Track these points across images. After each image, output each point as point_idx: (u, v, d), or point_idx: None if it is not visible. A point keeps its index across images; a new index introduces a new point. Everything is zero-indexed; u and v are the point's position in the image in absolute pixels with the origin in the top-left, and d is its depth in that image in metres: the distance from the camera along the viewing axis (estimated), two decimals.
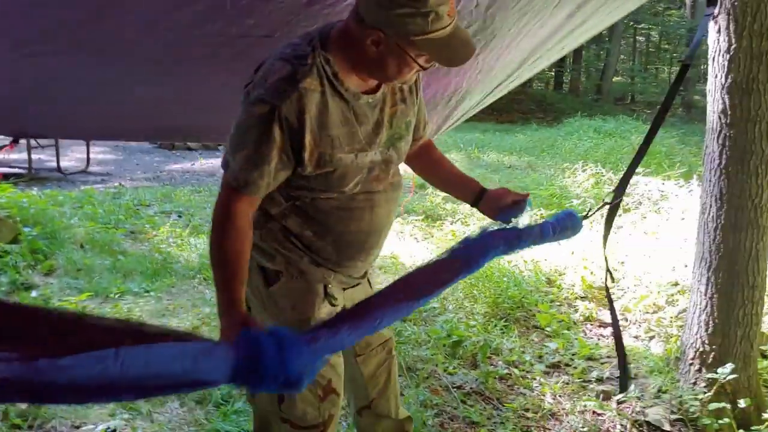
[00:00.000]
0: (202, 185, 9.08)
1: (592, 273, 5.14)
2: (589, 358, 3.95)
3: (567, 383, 3.63)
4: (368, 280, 2.21)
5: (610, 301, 2.92)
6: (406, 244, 6.08)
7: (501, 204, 2.10)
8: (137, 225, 6.51)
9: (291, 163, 1.73)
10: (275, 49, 1.73)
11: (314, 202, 1.86)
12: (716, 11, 3.21)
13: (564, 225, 2.25)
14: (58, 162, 9.32)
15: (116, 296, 4.66)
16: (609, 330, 4.37)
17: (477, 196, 2.14)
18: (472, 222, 6.72)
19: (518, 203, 2.10)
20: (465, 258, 1.86)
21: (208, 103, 2.59)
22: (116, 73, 2.20)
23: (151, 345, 1.06)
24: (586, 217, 2.40)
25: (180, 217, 6.98)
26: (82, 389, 0.99)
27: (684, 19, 22.91)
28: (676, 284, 4.74)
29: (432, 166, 2.24)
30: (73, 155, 10.42)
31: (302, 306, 1.95)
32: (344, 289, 2.07)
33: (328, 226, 1.89)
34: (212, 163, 10.96)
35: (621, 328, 4.36)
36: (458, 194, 2.26)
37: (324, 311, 1.97)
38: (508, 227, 2.09)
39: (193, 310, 4.52)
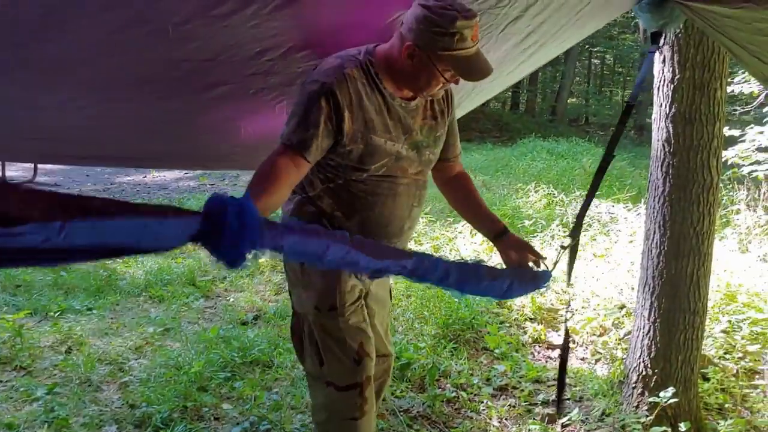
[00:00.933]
0: (153, 198, 8.93)
1: (541, 294, 5.17)
2: (536, 381, 3.97)
3: (513, 406, 3.64)
4: None
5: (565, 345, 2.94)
6: None
7: (516, 255, 2.36)
8: None
9: (334, 131, 2.02)
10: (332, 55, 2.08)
11: (346, 184, 2.16)
12: (661, 43, 3.29)
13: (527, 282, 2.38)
14: (3, 171, 9.05)
15: (56, 314, 4.52)
16: (557, 352, 4.40)
17: (498, 234, 2.40)
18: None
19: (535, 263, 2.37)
20: (418, 262, 1.91)
21: (152, 129, 2.53)
22: (58, 96, 2.14)
23: (102, 219, 1.17)
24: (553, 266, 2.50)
25: None
26: (33, 253, 1.12)
27: (638, 43, 23.49)
28: (623, 307, 4.81)
29: (464, 198, 2.52)
30: (19, 164, 10.14)
31: (330, 277, 2.20)
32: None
33: (355, 208, 2.19)
34: (165, 176, 10.79)
35: (569, 351, 4.42)
36: (482, 228, 2.56)
37: (350, 283, 2.24)
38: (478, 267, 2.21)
39: (137, 329, 4.42)
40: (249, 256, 1.40)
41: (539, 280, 2.40)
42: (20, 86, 1.99)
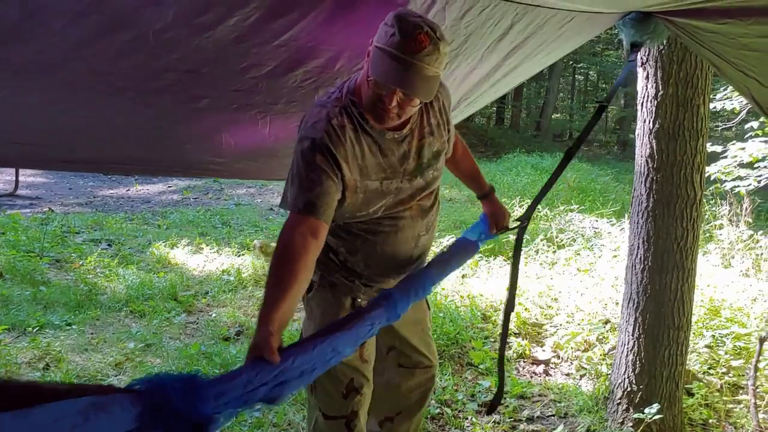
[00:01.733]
0: (135, 212, 8.84)
1: (527, 309, 5.16)
2: (521, 397, 3.94)
3: (498, 422, 3.61)
4: None
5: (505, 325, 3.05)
6: None
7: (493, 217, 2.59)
8: (63, 254, 6.26)
9: (339, 185, 1.93)
10: (315, 100, 2.07)
11: (346, 226, 2.13)
12: (644, 58, 3.31)
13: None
14: None
15: (35, 330, 4.44)
16: (541, 367, 4.39)
17: (482, 196, 2.63)
18: None
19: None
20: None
21: (134, 135, 2.50)
22: (38, 97, 2.10)
23: (32, 408, 0.98)
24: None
25: (110, 245, 6.75)
26: None
27: (621, 59, 23.73)
28: (607, 322, 4.81)
29: (456, 167, 2.62)
30: (1, 177, 10.03)
31: (329, 315, 2.21)
32: None
33: (356, 246, 2.16)
34: (148, 189, 10.71)
35: (553, 366, 4.40)
36: (471, 187, 2.70)
37: None
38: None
39: (117, 345, 4.34)
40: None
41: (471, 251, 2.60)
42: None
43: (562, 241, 7.00)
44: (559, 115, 27.89)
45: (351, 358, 2.19)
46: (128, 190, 10.77)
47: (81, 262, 6.00)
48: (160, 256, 6.40)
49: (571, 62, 25.26)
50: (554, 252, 6.59)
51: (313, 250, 1.85)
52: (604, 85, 28.75)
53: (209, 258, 6.43)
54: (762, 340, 3.60)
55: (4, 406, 0.95)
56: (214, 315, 5.05)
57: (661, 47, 3.19)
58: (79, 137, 2.55)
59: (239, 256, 6.55)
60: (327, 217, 1.90)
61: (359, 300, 2.25)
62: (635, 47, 2.69)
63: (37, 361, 4.04)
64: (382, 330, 1.99)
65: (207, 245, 6.78)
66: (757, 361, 3.64)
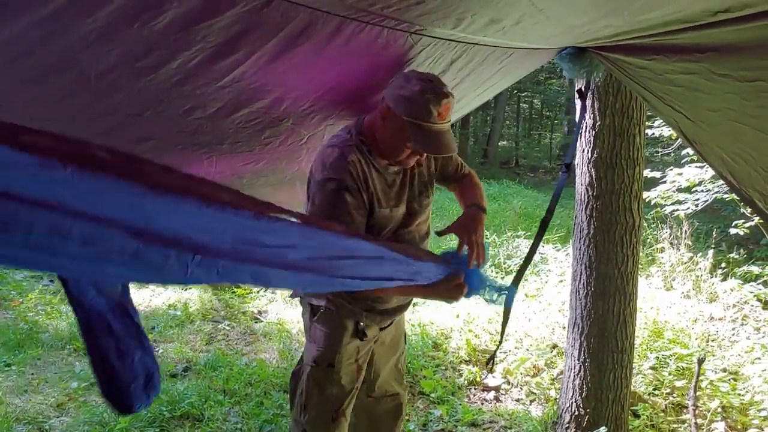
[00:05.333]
0: None
1: (477, 336, 5.21)
2: (473, 424, 3.97)
3: None
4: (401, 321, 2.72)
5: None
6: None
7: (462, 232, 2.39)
8: (2, 291, 6.05)
9: (366, 212, 2.20)
10: (323, 143, 2.28)
11: None
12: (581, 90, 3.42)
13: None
14: None
15: None
16: (492, 393, 4.42)
17: (468, 205, 2.54)
18: None
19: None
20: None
21: None
22: None
23: None
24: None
25: (52, 282, 6.55)
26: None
27: (563, 88, 24.36)
28: (555, 346, 4.89)
29: (457, 188, 2.68)
30: None
31: (333, 337, 2.40)
32: (381, 329, 2.52)
33: None
34: None
35: (504, 391, 4.44)
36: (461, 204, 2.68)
37: (351, 346, 2.42)
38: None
39: (59, 385, 4.21)
40: None
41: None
42: None
43: (510, 267, 7.10)
44: (505, 142, 28.37)
45: (349, 379, 2.45)
46: None
47: (21, 300, 5.80)
48: None
49: (515, 91, 25.82)
50: (503, 278, 6.68)
51: None
52: (548, 113, 29.44)
53: (155, 292, 6.30)
54: (700, 361, 3.72)
55: None
56: (161, 351, 4.95)
57: (598, 80, 3.30)
58: None
59: (186, 290, 6.44)
60: None
61: (362, 324, 2.42)
62: (582, 94, 2.81)
63: None
64: None
65: None
66: (697, 381, 3.75)
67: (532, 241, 2.70)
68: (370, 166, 2.21)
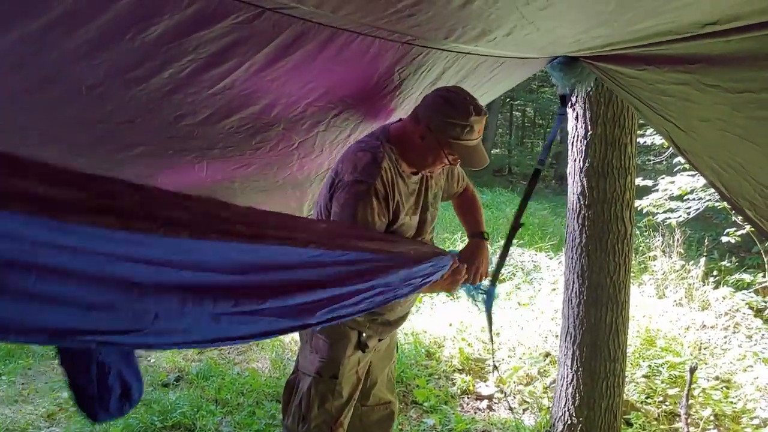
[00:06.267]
0: None
1: (470, 345, 5.20)
2: None
3: None
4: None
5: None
6: None
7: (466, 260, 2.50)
8: None
9: (387, 218, 2.24)
10: (350, 147, 2.34)
11: None
12: (573, 99, 3.44)
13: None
14: None
15: None
16: (485, 402, 4.41)
17: (471, 236, 2.69)
18: None
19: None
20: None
21: None
22: None
23: None
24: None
25: None
26: None
27: (556, 96, 24.49)
28: (548, 355, 4.89)
29: (459, 206, 2.82)
30: None
31: (336, 348, 2.43)
32: (380, 340, 2.55)
33: None
34: None
35: (496, 400, 4.44)
36: (465, 228, 2.80)
37: (354, 357, 2.46)
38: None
39: (50, 395, 4.19)
40: None
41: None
42: None
43: (502, 275, 7.10)
44: (498, 150, 28.45)
45: (350, 390, 2.49)
46: None
47: None
48: None
49: (508, 99, 25.89)
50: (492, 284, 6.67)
51: None
52: (540, 121, 29.54)
53: None
54: (692, 370, 3.72)
55: None
56: (153, 360, 4.92)
57: (589, 89, 3.32)
58: None
59: None
60: None
61: (364, 335, 2.45)
62: (564, 99, 2.82)
63: None
64: None
65: None
66: (689, 390, 3.75)
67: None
68: (396, 174, 2.28)
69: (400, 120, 2.38)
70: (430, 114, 2.17)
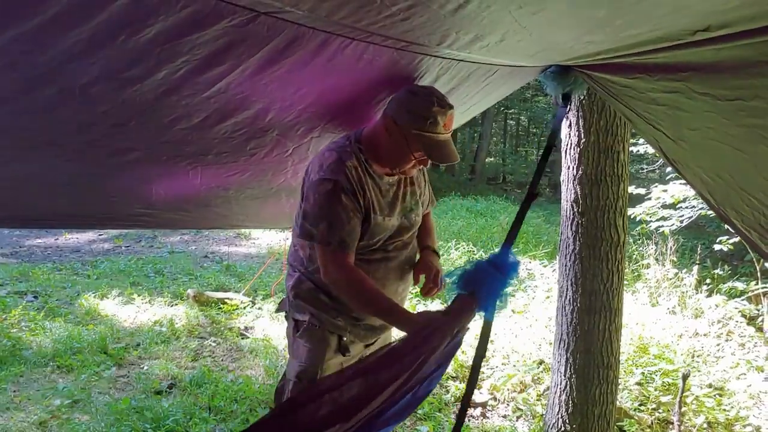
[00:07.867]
0: (64, 262, 8.55)
1: (464, 352, 5.20)
2: None
3: None
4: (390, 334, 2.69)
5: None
6: None
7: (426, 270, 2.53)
8: None
9: (361, 216, 2.25)
10: (322, 148, 2.36)
11: None
12: (569, 107, 3.45)
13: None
14: None
15: None
16: (479, 410, 4.41)
17: (424, 247, 2.63)
18: None
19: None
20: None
21: (60, 191, 2.44)
22: None
23: None
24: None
25: (36, 298, 6.50)
26: None
27: (550, 105, 24.57)
28: (542, 362, 4.89)
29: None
30: None
31: (315, 352, 2.41)
32: (366, 346, 2.55)
33: None
34: (78, 237, 10.39)
35: (490, 408, 4.43)
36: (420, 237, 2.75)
37: (334, 361, 2.43)
38: None
39: (42, 402, 4.16)
40: None
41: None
42: None
43: None
44: (492, 158, 28.55)
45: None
46: (57, 239, 10.41)
47: (4, 316, 5.74)
48: (90, 307, 6.19)
49: (502, 108, 26.00)
50: None
51: (359, 272, 2.22)
52: (534, 130, 29.66)
53: (141, 308, 6.26)
54: (685, 377, 3.73)
55: None
56: (146, 368, 4.90)
57: (582, 97, 3.34)
58: (5, 193, 2.47)
59: (172, 306, 6.40)
60: (354, 252, 2.25)
61: (345, 339, 2.44)
62: (566, 98, 2.81)
63: None
64: None
65: (139, 295, 6.60)
66: (681, 397, 3.76)
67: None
68: (365, 173, 2.27)
69: None
70: (395, 106, 2.21)
